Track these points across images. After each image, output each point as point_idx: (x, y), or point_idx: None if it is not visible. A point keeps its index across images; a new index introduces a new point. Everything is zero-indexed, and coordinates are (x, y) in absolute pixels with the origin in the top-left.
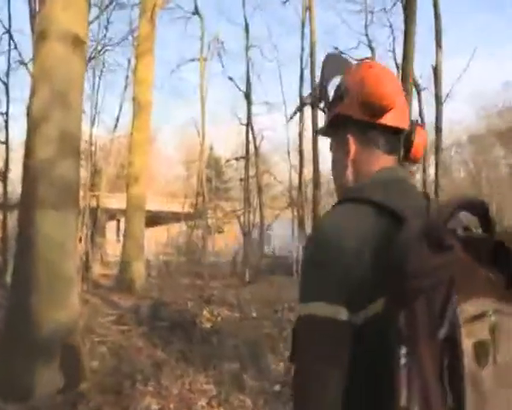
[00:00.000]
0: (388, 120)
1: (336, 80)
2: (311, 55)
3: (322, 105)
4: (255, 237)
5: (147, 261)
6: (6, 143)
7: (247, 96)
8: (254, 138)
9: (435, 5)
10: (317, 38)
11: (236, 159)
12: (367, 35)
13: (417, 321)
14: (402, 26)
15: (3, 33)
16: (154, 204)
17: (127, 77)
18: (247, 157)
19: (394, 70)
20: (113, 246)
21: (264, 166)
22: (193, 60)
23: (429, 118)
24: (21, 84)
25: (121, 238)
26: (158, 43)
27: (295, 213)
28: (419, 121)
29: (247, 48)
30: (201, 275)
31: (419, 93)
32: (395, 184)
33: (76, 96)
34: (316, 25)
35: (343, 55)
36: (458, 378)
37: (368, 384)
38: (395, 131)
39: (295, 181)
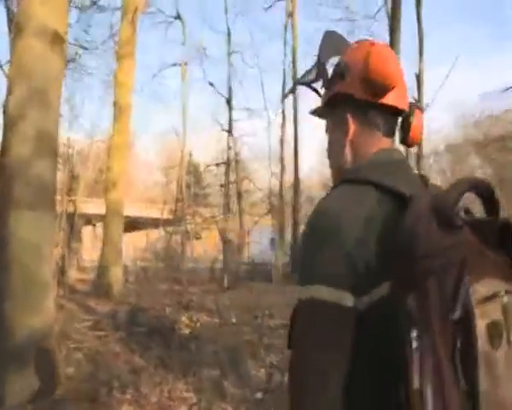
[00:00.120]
0: (390, 99)
1: (334, 60)
2: (293, 61)
3: (319, 84)
4: (234, 243)
5: (125, 267)
6: None
7: (229, 101)
8: (235, 144)
9: (418, 18)
10: (299, 43)
11: (217, 164)
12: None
13: (429, 303)
14: (385, 35)
15: None
16: (132, 210)
17: (107, 81)
18: (227, 162)
19: None
20: (88, 251)
21: (244, 173)
22: (174, 65)
23: None
24: None
25: (97, 243)
26: (139, 47)
27: (274, 221)
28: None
29: (229, 54)
30: (180, 281)
31: None
32: (394, 165)
33: (54, 96)
34: (298, 31)
35: (341, 34)
36: (472, 360)
37: (372, 369)
38: (394, 113)
39: (275, 188)
